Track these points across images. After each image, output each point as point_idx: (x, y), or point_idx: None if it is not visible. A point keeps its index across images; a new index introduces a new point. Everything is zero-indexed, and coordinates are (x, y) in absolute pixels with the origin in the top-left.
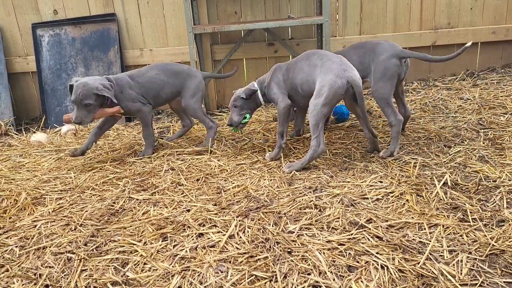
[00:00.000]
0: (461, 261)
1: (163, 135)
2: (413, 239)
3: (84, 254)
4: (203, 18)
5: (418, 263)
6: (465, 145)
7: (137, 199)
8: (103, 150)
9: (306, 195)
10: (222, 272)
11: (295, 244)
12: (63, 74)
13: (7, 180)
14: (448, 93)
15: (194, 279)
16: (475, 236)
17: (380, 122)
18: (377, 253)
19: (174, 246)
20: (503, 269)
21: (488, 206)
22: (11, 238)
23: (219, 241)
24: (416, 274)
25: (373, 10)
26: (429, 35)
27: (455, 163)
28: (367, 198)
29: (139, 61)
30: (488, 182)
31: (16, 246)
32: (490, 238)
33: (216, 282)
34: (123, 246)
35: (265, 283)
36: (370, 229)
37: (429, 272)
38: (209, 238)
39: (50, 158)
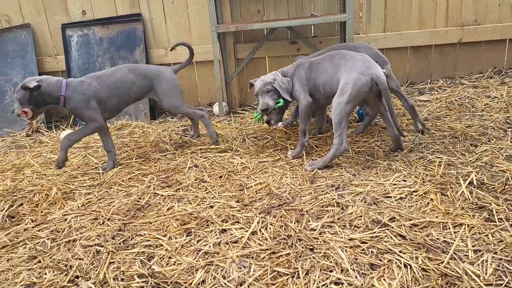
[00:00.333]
0: (486, 261)
1: (187, 132)
2: (437, 238)
3: (112, 247)
4: (226, 17)
5: (442, 262)
6: (492, 144)
7: (162, 195)
8: (129, 147)
9: (328, 193)
10: (245, 267)
11: (317, 242)
12: (91, 73)
13: (39, 175)
14: (475, 91)
15: (217, 274)
16: (500, 236)
17: (404, 120)
18: (400, 251)
19: (198, 241)
20: None
21: None
22: (43, 231)
23: (242, 237)
24: (440, 273)
25: (397, 7)
26: (455, 32)
27: (482, 162)
28: (390, 197)
29: (164, 60)
30: None
31: (48, 239)
32: None
33: (239, 277)
34: (149, 240)
35: (287, 279)
36: (393, 227)
37: (453, 271)
38: (232, 234)
39: (79, 154)
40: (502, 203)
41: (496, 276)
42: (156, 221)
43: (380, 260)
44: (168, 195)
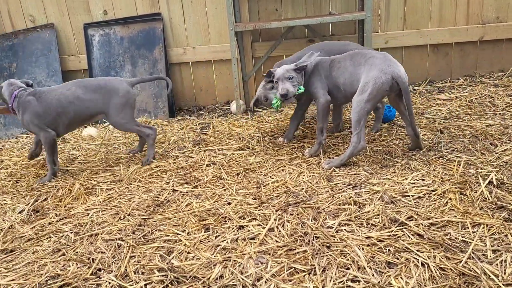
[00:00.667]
0: (505, 261)
1: (205, 130)
2: (456, 238)
3: (132, 242)
4: (244, 16)
5: (460, 261)
6: None
7: (181, 192)
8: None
9: (346, 192)
10: (262, 263)
11: (334, 239)
12: (111, 71)
13: (62, 171)
14: (496, 90)
15: (235, 269)
16: None
17: (423, 119)
18: (417, 250)
19: (216, 237)
20: None
21: None
22: (66, 225)
23: (259, 233)
24: (457, 272)
25: (417, 4)
26: (476, 29)
27: (502, 162)
28: (408, 196)
29: (183, 58)
30: None
31: (71, 232)
32: None
33: (256, 272)
34: (168, 235)
35: (304, 275)
36: (410, 226)
37: (471, 271)
38: (249, 231)
39: (100, 151)
40: None
41: None
42: (175, 217)
43: (398, 259)
44: (187, 192)
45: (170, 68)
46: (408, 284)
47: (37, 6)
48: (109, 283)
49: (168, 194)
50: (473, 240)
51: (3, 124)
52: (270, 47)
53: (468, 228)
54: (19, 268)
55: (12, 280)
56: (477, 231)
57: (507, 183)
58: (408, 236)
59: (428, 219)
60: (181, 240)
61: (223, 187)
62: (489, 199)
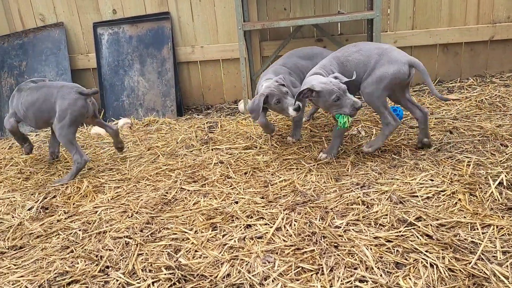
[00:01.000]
0: None
1: (212, 129)
2: (465, 239)
3: (140, 240)
4: (252, 15)
5: (470, 263)
6: None
7: (188, 190)
8: (156, 143)
9: (354, 191)
10: (269, 262)
11: (341, 239)
12: (120, 70)
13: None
14: (506, 90)
15: (242, 268)
16: None
17: (432, 119)
18: (426, 251)
19: (223, 236)
20: None
21: None
22: (75, 222)
23: (267, 232)
24: (467, 274)
25: (427, 4)
26: (487, 29)
27: None
28: (417, 196)
29: (191, 57)
30: None
31: (80, 230)
32: None
33: (263, 271)
34: (176, 233)
35: (311, 275)
36: (419, 227)
37: (480, 272)
38: (256, 230)
39: (108, 149)
40: None
41: None
42: (182, 215)
43: (406, 259)
44: (194, 190)
45: (178, 67)
46: (417, 285)
47: (47, 5)
48: (117, 280)
49: (176, 192)
50: (482, 241)
51: None
52: (278, 46)
53: (477, 229)
54: (28, 264)
55: (21, 276)
56: (487, 232)
57: None
58: (417, 236)
59: (437, 219)
60: (189, 239)
61: (230, 186)
62: (499, 200)
